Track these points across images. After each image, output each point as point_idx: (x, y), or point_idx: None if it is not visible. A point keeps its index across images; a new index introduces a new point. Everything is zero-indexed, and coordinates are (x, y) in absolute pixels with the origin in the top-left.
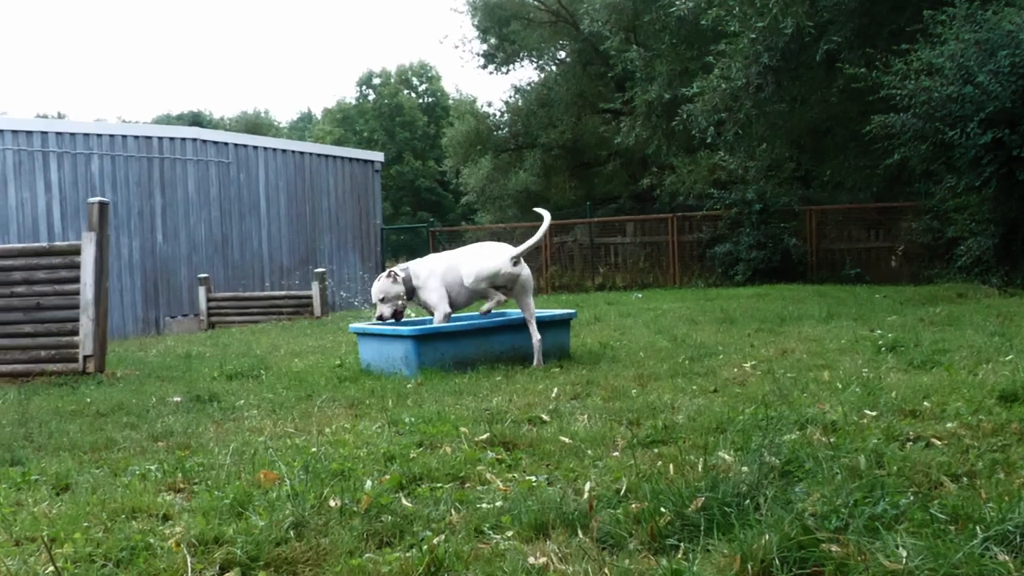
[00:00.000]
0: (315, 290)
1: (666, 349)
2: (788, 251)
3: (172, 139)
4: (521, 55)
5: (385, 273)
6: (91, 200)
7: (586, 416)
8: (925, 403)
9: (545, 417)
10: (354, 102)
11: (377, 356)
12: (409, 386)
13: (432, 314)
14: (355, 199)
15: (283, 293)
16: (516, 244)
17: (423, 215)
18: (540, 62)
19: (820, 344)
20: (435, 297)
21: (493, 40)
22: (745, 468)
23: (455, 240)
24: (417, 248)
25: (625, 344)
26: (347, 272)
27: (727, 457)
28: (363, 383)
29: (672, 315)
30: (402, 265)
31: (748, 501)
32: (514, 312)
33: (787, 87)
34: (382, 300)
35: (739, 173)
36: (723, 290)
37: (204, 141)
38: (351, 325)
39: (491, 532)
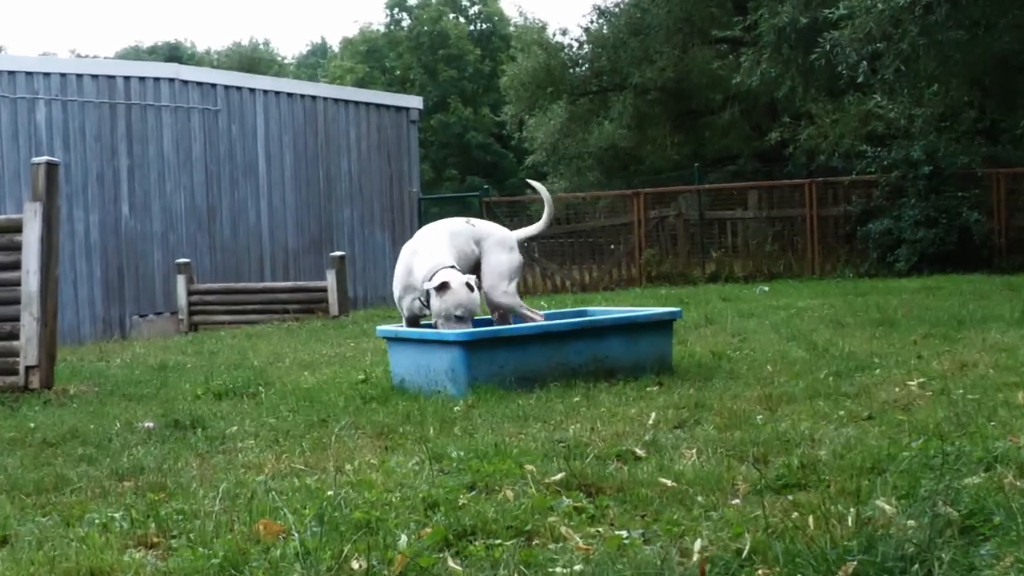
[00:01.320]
0: (331, 280)
1: (802, 361)
2: (967, 229)
3: (143, 79)
4: None
5: (460, 280)
6: (35, 160)
7: (695, 450)
8: None
9: (640, 452)
10: (383, 30)
11: (414, 368)
12: (457, 409)
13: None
14: (384, 159)
15: (289, 285)
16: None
17: (474, 180)
18: None
19: (1012, 356)
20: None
21: None
22: (911, 522)
23: (517, 214)
24: None
25: (747, 354)
26: (373, 256)
27: (887, 507)
28: (395, 404)
29: (810, 315)
30: (443, 260)
31: (917, 567)
32: (596, 309)
33: (966, 7)
34: (460, 318)
35: (901, 124)
36: (879, 282)
37: (184, 82)
38: (379, 328)
39: None
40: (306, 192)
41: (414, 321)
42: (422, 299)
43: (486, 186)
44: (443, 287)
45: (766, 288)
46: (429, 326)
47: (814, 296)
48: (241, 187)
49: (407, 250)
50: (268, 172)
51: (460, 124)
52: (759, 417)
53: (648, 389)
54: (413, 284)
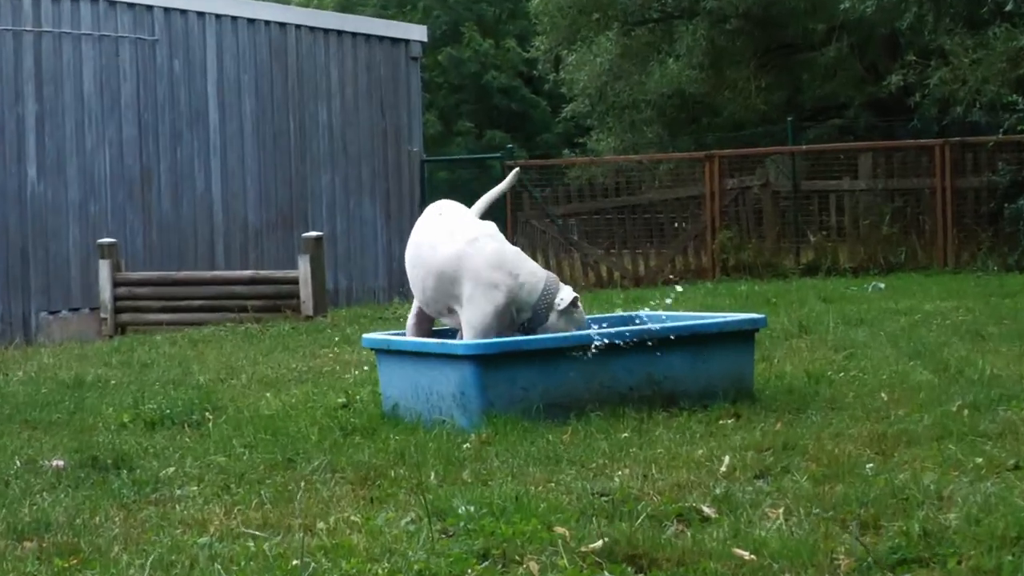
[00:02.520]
0: (304, 269)
1: (928, 387)
2: None
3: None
4: None
5: (549, 277)
6: None
7: (781, 510)
8: None
9: (708, 510)
10: None
11: (411, 390)
12: (467, 446)
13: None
14: (376, 107)
15: (248, 274)
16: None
17: (496, 136)
18: None
19: None
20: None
21: None
22: None
23: (550, 181)
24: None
25: (854, 376)
26: (361, 236)
27: None
28: (385, 439)
29: (940, 323)
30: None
31: None
32: (652, 314)
33: None
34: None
35: None
36: None
37: (112, 3)
38: (367, 336)
39: None
40: (272, 151)
41: (424, 323)
42: (520, 311)
43: (510, 145)
44: (575, 304)
45: (881, 285)
46: (446, 333)
47: (946, 296)
48: (186, 143)
49: (495, 247)
50: (222, 123)
51: (477, 61)
52: (868, 465)
53: (721, 423)
54: (518, 286)
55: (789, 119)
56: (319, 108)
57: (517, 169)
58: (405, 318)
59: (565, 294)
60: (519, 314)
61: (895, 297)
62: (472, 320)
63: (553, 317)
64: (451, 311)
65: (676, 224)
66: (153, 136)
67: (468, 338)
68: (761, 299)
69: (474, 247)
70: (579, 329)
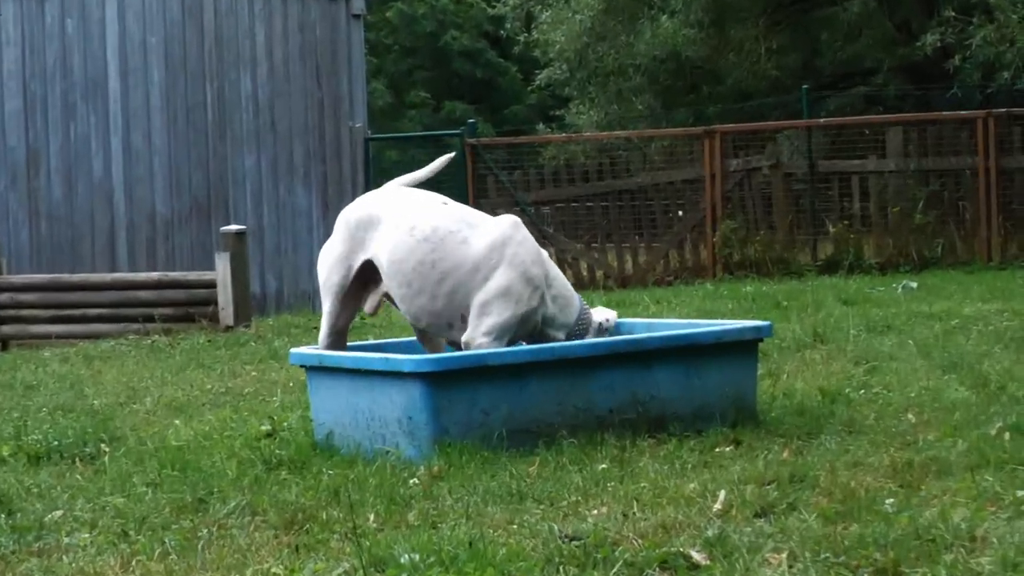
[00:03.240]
0: (222, 271)
1: (964, 406)
2: None
3: None
4: None
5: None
6: None
7: (785, 555)
8: None
9: (697, 556)
10: None
11: (349, 415)
12: (414, 481)
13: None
14: (310, 75)
15: (155, 277)
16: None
17: (456, 108)
18: None
19: None
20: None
21: None
22: None
23: (519, 163)
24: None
25: (877, 395)
26: (293, 229)
27: None
28: (317, 473)
29: (980, 330)
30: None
31: None
32: (638, 322)
33: None
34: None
35: None
36: None
37: None
38: (295, 351)
39: None
40: (185, 127)
41: (343, 339)
42: (547, 327)
43: (472, 119)
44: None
45: (913, 284)
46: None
47: (988, 298)
48: (81, 119)
49: (528, 250)
50: (124, 96)
51: (434, 19)
52: (888, 501)
53: (717, 451)
54: (551, 297)
55: (804, 87)
56: (242, 76)
57: (451, 155)
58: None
59: (609, 314)
60: (547, 330)
61: (929, 299)
62: (494, 320)
63: (593, 336)
64: (462, 320)
65: (670, 213)
66: (41, 111)
67: (483, 343)
68: (770, 302)
69: (520, 233)
70: None
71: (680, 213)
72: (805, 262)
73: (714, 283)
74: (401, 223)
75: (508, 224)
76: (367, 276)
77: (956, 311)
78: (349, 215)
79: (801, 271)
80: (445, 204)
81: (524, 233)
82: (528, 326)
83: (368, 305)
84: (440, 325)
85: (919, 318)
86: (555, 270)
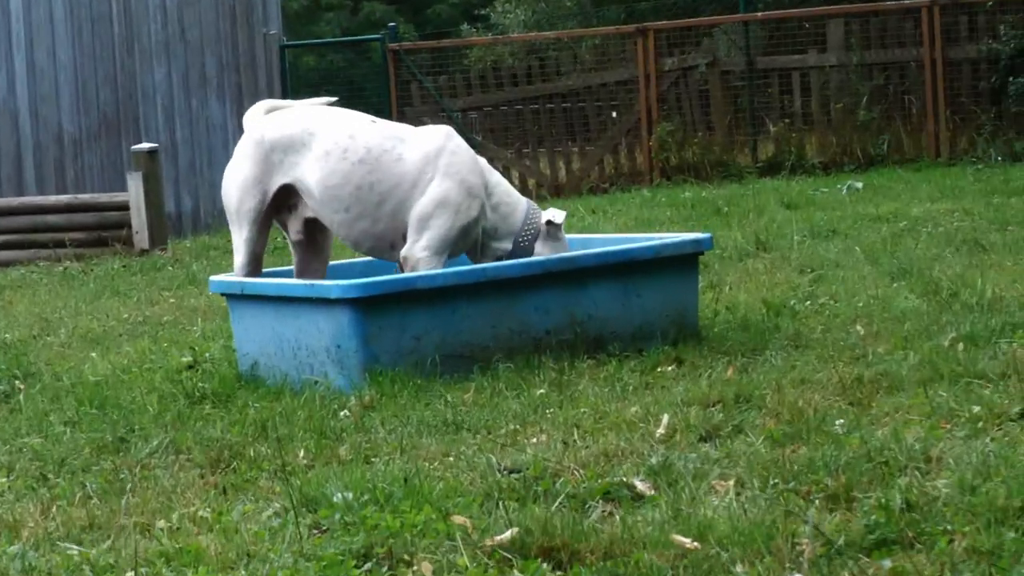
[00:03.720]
0: (135, 191)
1: (915, 316)
2: None
3: None
4: None
5: (530, 203)
6: None
7: (732, 482)
8: None
9: (642, 486)
10: None
11: (274, 344)
12: (345, 413)
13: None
14: None
15: (65, 200)
16: None
17: (375, 9)
18: None
19: None
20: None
21: None
22: None
23: (444, 68)
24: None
25: (823, 304)
26: (208, 143)
27: None
28: (242, 407)
29: (930, 232)
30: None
31: None
32: (571, 237)
33: None
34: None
35: None
36: None
37: None
38: (214, 278)
39: None
40: (91, 40)
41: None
42: (492, 239)
43: (392, 23)
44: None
45: (858, 185)
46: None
47: (938, 197)
48: None
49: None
50: (25, 9)
51: None
52: (839, 421)
53: (659, 371)
54: (492, 206)
55: None
56: None
57: (331, 100)
58: (266, 249)
59: (557, 214)
60: (489, 242)
61: (875, 200)
62: (433, 233)
63: (539, 245)
64: (404, 239)
65: (603, 116)
66: None
67: (423, 257)
68: (710, 208)
69: (453, 142)
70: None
71: (614, 116)
72: (745, 164)
73: (651, 189)
74: (331, 148)
75: (441, 135)
76: (281, 199)
77: (904, 212)
78: (262, 135)
79: (741, 174)
80: (374, 123)
81: (458, 142)
82: (469, 239)
83: (294, 231)
84: (383, 247)
85: (865, 221)
86: (496, 177)
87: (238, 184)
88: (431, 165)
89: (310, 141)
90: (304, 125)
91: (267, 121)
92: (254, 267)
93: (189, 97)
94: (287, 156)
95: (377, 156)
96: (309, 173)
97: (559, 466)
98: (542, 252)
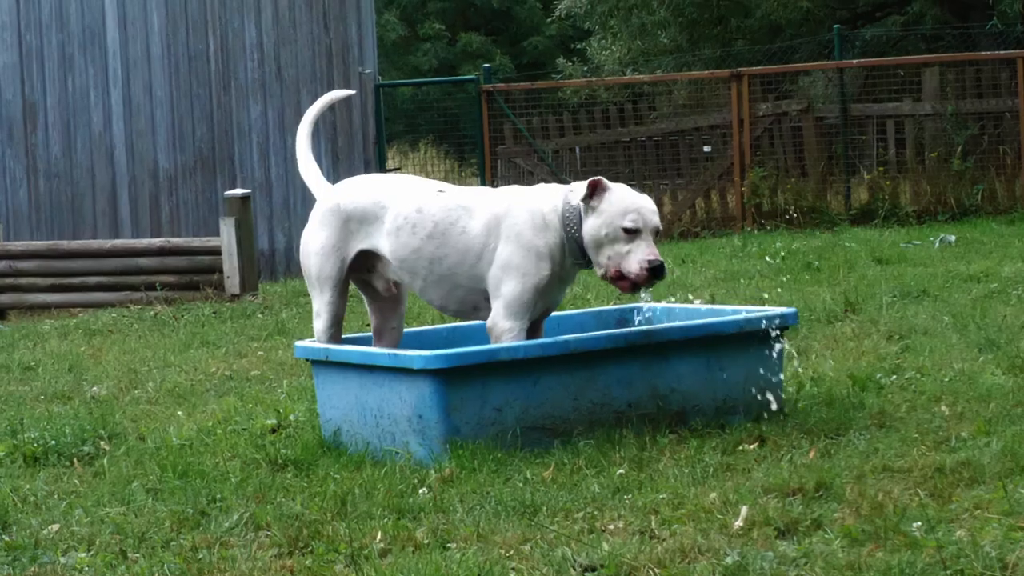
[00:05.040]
0: (227, 236)
1: (1000, 394)
2: None
3: None
4: None
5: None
6: None
7: None
8: None
9: None
10: None
11: (357, 412)
12: (424, 490)
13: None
14: (317, 19)
15: (158, 243)
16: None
17: (473, 40)
18: None
19: None
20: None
21: None
22: None
23: (537, 106)
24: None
25: (909, 379)
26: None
27: None
28: (323, 477)
29: (1020, 294)
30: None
31: None
32: (657, 307)
33: None
34: (633, 231)
35: None
36: None
37: None
38: (299, 344)
39: None
40: (188, 77)
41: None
42: (574, 236)
43: (489, 65)
44: (597, 189)
45: (951, 238)
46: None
47: None
48: (79, 71)
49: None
50: (123, 45)
51: None
52: (916, 524)
53: (740, 449)
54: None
55: (836, 27)
56: (246, 23)
57: (351, 93)
58: (357, 295)
59: (576, 187)
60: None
61: (967, 255)
62: (507, 298)
63: (589, 216)
64: (486, 300)
65: (697, 160)
66: (38, 63)
67: (504, 327)
68: (800, 261)
69: (511, 203)
70: (628, 218)
71: (706, 149)
72: (838, 211)
73: (742, 236)
74: (401, 223)
75: (504, 200)
76: (361, 262)
77: (995, 272)
78: (338, 204)
79: (833, 221)
80: (441, 192)
81: (516, 202)
82: (553, 294)
83: (382, 287)
84: (466, 311)
85: (956, 280)
86: (543, 202)
87: (317, 250)
88: (493, 233)
89: (382, 214)
90: (375, 197)
91: (341, 190)
92: (336, 330)
93: (284, 135)
94: (362, 227)
95: (444, 230)
96: (384, 244)
97: (635, 563)
98: (591, 221)
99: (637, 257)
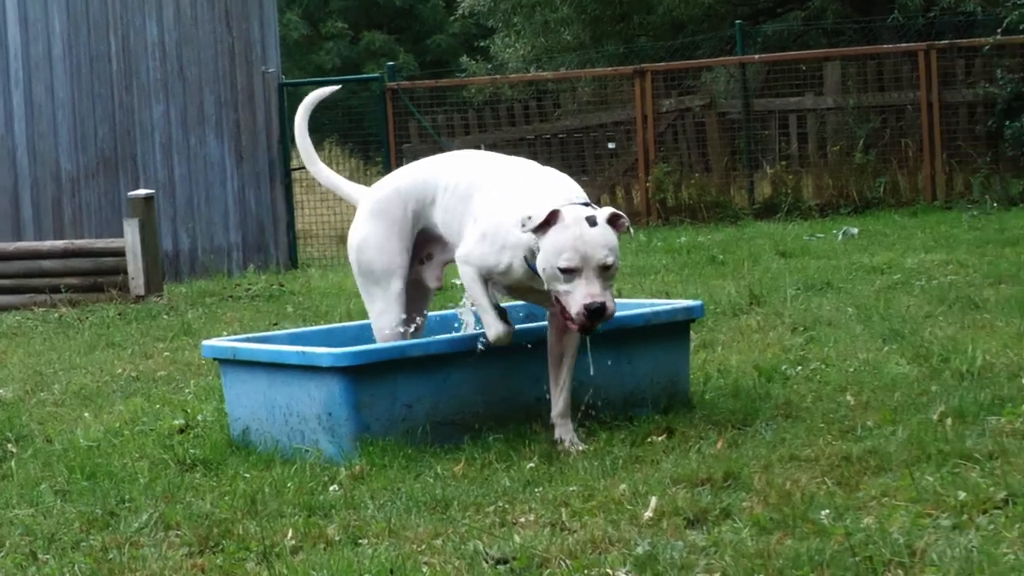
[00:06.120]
0: (131, 237)
1: (905, 384)
2: None
3: None
4: None
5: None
6: None
7: (718, 575)
8: None
9: None
10: None
11: (265, 410)
12: (335, 487)
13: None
14: (219, 18)
15: (61, 245)
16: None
17: (376, 39)
18: None
19: None
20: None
21: None
22: None
23: (444, 99)
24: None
25: (814, 370)
26: (206, 181)
27: None
28: (233, 477)
29: (924, 285)
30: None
31: None
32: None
33: None
34: (569, 271)
35: None
36: None
37: None
38: (206, 343)
39: None
40: (90, 77)
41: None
42: (527, 255)
43: (392, 63)
44: (551, 222)
45: (854, 231)
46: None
47: (932, 246)
48: None
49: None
50: (24, 46)
51: None
52: (824, 512)
53: (649, 441)
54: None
55: (738, 22)
56: (147, 22)
57: (335, 88)
58: (263, 294)
59: (534, 214)
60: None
61: (870, 247)
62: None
63: (538, 259)
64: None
65: (600, 157)
66: None
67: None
68: (705, 256)
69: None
70: (566, 257)
71: (610, 146)
72: (742, 205)
73: (647, 231)
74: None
75: (511, 189)
76: (416, 250)
77: (898, 263)
78: (397, 188)
79: (737, 215)
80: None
81: (511, 201)
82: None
83: (433, 281)
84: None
85: (859, 272)
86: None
87: (376, 243)
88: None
89: (434, 190)
90: (424, 174)
91: (391, 177)
92: (406, 328)
93: (187, 134)
94: (420, 206)
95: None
96: (437, 217)
97: (546, 554)
98: (539, 264)
99: (575, 299)
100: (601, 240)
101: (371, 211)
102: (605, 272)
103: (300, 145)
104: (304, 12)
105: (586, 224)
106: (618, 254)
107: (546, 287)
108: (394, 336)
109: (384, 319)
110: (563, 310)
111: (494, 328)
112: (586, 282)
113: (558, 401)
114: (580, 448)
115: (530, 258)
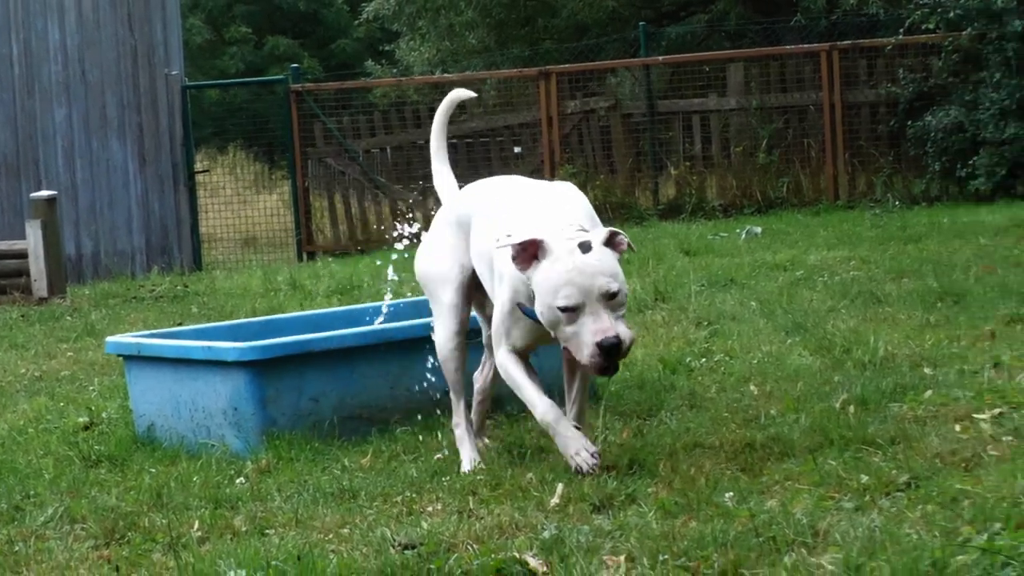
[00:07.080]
0: (33, 239)
1: (808, 374)
2: None
3: None
4: None
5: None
6: None
7: (623, 557)
8: None
9: (534, 562)
10: None
11: (171, 406)
12: (241, 480)
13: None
14: (122, 21)
15: None
16: None
17: (280, 43)
18: None
19: None
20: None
21: None
22: None
23: (350, 101)
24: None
25: (718, 361)
26: (108, 185)
27: None
28: (138, 471)
29: (826, 281)
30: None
31: None
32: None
33: None
34: (570, 309)
35: None
36: (943, 211)
37: None
38: (110, 339)
39: None
40: None
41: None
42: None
43: (297, 65)
44: (535, 256)
45: (757, 230)
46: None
47: (835, 244)
48: None
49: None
50: None
51: None
52: (728, 495)
53: None
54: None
55: (642, 24)
56: (49, 25)
57: (472, 94)
58: (167, 295)
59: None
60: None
61: (773, 246)
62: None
63: (535, 304)
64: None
65: (507, 158)
66: None
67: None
68: None
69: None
70: (563, 296)
71: (516, 150)
72: (647, 206)
73: None
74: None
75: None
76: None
77: (801, 260)
78: (454, 207)
79: (643, 216)
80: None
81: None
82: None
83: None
84: None
85: (762, 269)
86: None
87: (434, 252)
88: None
89: (477, 214)
90: (470, 202)
91: (460, 193)
92: (461, 339)
93: (90, 138)
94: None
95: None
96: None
97: (454, 540)
98: (537, 309)
99: (585, 339)
100: (599, 267)
101: (436, 219)
102: (611, 301)
103: (434, 145)
104: (207, 17)
105: (579, 252)
106: (622, 279)
107: (552, 335)
108: (447, 348)
109: (439, 331)
110: (575, 355)
111: (540, 406)
112: (592, 318)
113: (571, 412)
114: (594, 462)
115: (527, 304)
